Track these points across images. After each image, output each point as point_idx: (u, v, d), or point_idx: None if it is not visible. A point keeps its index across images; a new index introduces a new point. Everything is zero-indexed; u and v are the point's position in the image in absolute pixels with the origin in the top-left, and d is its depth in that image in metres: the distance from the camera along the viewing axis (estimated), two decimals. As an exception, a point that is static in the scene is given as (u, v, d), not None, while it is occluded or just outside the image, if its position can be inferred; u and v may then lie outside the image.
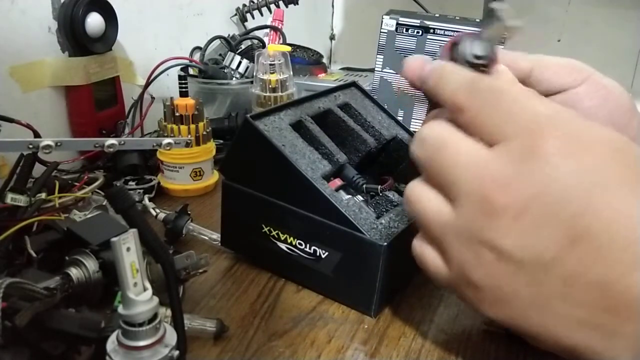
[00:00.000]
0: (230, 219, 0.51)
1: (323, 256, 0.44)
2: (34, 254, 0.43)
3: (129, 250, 0.27)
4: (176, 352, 0.29)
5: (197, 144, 0.66)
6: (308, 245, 0.45)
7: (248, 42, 0.96)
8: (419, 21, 0.72)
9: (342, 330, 0.43)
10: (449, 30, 0.73)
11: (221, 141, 0.76)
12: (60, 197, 0.54)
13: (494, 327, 0.42)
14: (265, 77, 0.72)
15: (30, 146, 0.41)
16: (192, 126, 0.65)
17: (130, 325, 0.28)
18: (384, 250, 0.41)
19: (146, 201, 0.59)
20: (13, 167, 0.52)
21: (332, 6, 1.53)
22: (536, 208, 0.28)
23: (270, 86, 0.72)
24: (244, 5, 1.07)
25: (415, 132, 0.37)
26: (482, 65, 0.35)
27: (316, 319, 0.44)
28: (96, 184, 0.61)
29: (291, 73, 0.74)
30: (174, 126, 0.65)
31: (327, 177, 0.46)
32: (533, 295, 0.30)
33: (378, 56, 0.75)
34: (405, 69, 0.39)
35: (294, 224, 0.45)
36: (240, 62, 0.87)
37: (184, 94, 0.66)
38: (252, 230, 0.48)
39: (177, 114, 0.65)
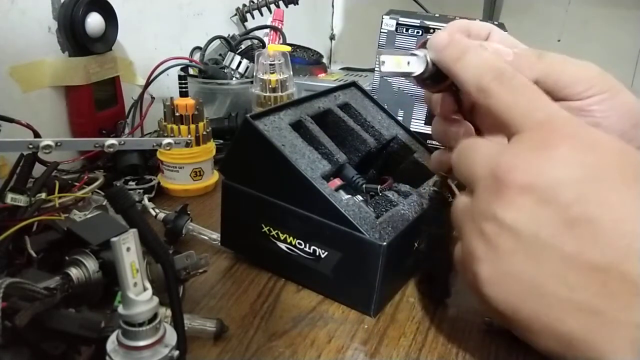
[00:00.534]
0: (230, 219, 0.51)
1: (323, 256, 0.45)
2: (34, 254, 0.43)
3: (129, 250, 0.27)
4: (176, 352, 0.29)
5: (197, 144, 0.66)
6: (308, 245, 0.45)
7: (248, 42, 0.96)
8: (419, 21, 0.72)
9: (342, 330, 0.43)
10: (449, 30, 0.72)
11: (221, 141, 0.76)
12: (60, 197, 0.54)
13: (494, 327, 0.42)
14: (265, 77, 0.72)
15: (30, 146, 0.41)
16: (192, 126, 0.65)
17: (130, 325, 0.28)
18: (384, 250, 0.41)
19: (146, 201, 0.59)
20: (13, 167, 0.52)
21: (332, 6, 1.53)
22: (538, 189, 0.30)
23: (270, 86, 0.72)
24: (244, 5, 1.07)
25: (415, 131, 0.38)
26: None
27: (316, 319, 0.44)
28: (96, 184, 0.61)
29: (291, 73, 0.74)
30: (174, 126, 0.65)
31: (327, 177, 0.46)
32: (531, 275, 0.30)
33: (379, 49, 0.75)
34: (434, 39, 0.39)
35: (294, 224, 0.45)
36: (240, 62, 0.87)
37: (184, 94, 0.67)
38: (252, 230, 0.48)
39: (177, 114, 0.65)
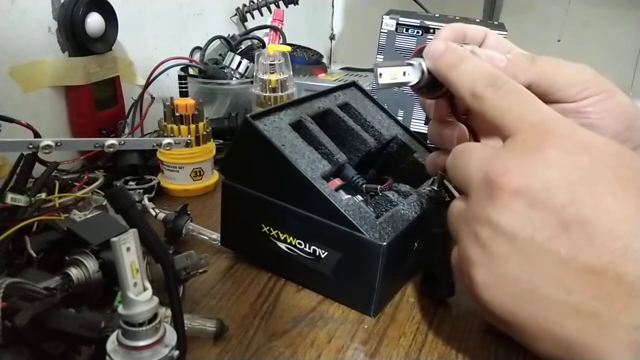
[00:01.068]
0: (230, 219, 0.51)
1: (323, 256, 0.45)
2: (34, 254, 0.43)
3: (129, 250, 0.27)
4: (176, 352, 0.29)
5: (197, 144, 0.66)
6: (308, 245, 0.45)
7: (248, 42, 0.96)
8: (419, 21, 0.72)
9: (342, 330, 0.43)
10: (449, 30, 0.72)
11: (221, 141, 0.76)
12: (60, 197, 0.54)
13: (494, 327, 0.42)
14: (265, 77, 0.72)
15: (30, 146, 0.41)
16: (192, 126, 0.65)
17: (130, 325, 0.28)
18: (384, 250, 0.41)
19: (146, 201, 0.59)
20: (13, 167, 0.52)
21: (332, 6, 1.53)
22: (532, 192, 0.30)
23: (270, 86, 0.72)
24: (244, 5, 1.07)
25: (415, 131, 0.38)
26: None
27: (316, 319, 0.44)
28: (96, 184, 0.61)
29: (291, 73, 0.74)
30: (174, 126, 0.65)
31: (327, 177, 0.46)
32: (527, 279, 0.30)
33: (378, 56, 0.75)
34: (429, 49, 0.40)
35: (294, 224, 0.45)
36: (240, 62, 0.87)
37: (184, 94, 0.67)
38: (252, 230, 0.48)
39: (177, 114, 0.65)
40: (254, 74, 0.73)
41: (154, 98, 0.79)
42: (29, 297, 0.32)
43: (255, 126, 0.45)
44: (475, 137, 0.41)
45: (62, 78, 0.69)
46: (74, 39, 0.68)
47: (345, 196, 0.47)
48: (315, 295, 0.46)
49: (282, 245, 0.47)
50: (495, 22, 0.76)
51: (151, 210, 0.56)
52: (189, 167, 0.66)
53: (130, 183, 0.66)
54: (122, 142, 0.44)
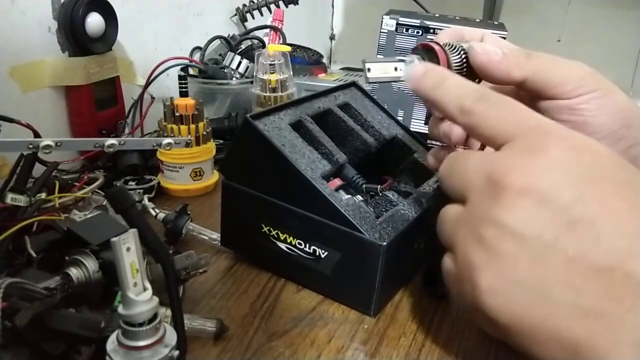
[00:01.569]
0: (230, 219, 0.51)
1: (322, 256, 0.45)
2: (34, 254, 0.43)
3: (129, 250, 0.27)
4: (176, 352, 0.30)
5: (197, 144, 0.66)
6: (308, 245, 0.45)
7: (248, 42, 0.96)
8: (419, 21, 0.72)
9: (342, 330, 0.43)
10: (449, 30, 0.72)
11: (221, 141, 0.76)
12: (60, 197, 0.54)
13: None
14: (265, 77, 0.72)
15: (30, 146, 0.41)
16: (192, 126, 0.65)
17: (130, 325, 0.28)
18: (384, 250, 0.41)
19: (146, 201, 0.59)
20: (13, 167, 0.52)
21: (332, 6, 1.53)
22: (538, 190, 0.30)
23: (270, 86, 0.72)
24: (244, 5, 1.07)
25: (415, 131, 0.38)
26: None
27: (316, 319, 0.44)
28: (96, 184, 0.61)
29: (291, 73, 0.74)
30: (174, 126, 0.65)
31: (327, 177, 0.46)
32: (537, 281, 0.29)
33: (378, 56, 0.75)
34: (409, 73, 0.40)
35: (294, 224, 0.45)
36: (240, 62, 0.87)
37: (184, 94, 0.67)
38: (252, 230, 0.48)
39: (177, 114, 0.65)
40: (254, 74, 0.73)
41: (154, 98, 0.79)
42: (29, 297, 0.32)
43: (255, 126, 0.45)
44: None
45: (62, 78, 0.69)
46: (74, 39, 0.68)
47: (345, 196, 0.47)
48: (315, 295, 0.46)
49: (282, 245, 0.47)
50: (495, 22, 0.76)
51: (151, 210, 0.56)
52: (189, 167, 0.66)
53: (130, 183, 0.66)
54: (122, 142, 0.44)
